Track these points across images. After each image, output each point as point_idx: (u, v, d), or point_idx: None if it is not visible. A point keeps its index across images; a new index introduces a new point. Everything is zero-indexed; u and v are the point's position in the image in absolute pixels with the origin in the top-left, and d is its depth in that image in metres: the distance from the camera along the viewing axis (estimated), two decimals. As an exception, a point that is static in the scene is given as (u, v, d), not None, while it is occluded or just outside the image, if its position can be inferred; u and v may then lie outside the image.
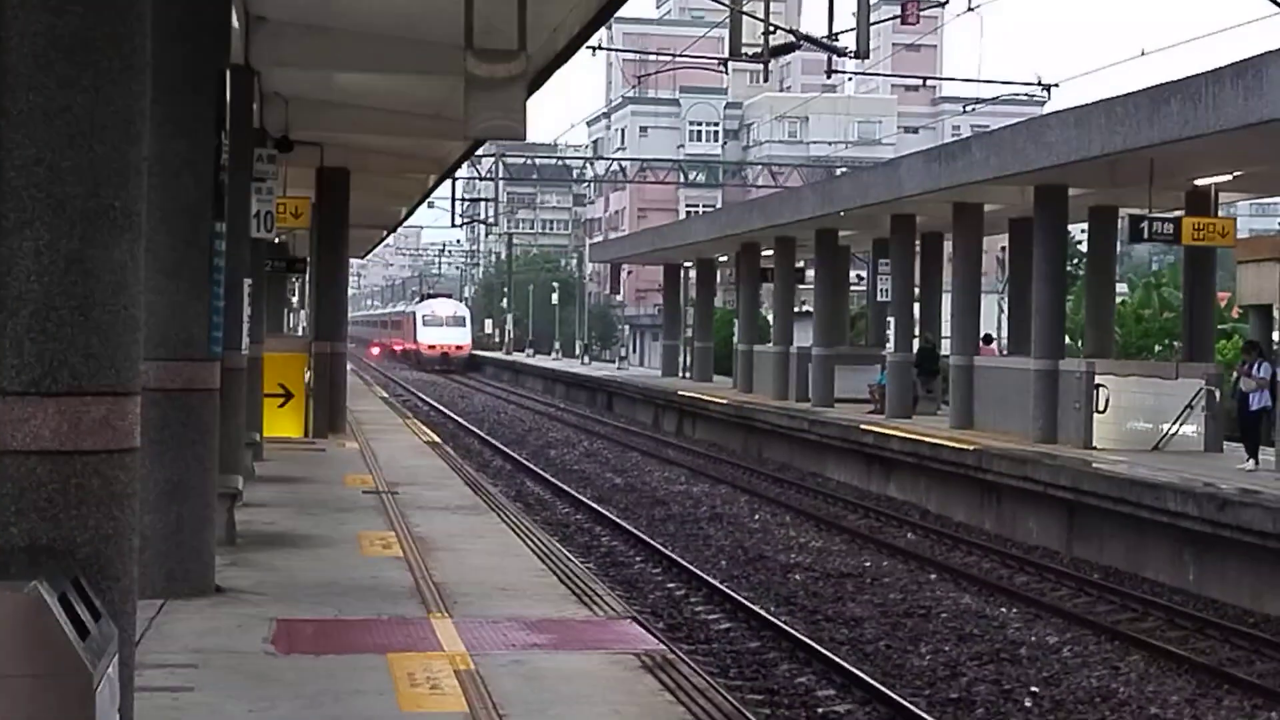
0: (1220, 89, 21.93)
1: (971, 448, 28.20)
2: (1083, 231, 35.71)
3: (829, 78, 56.37)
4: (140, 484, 6.66)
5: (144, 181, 6.48)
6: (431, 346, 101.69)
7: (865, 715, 13.96)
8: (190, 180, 12.65)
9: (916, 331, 37.94)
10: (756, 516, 28.01)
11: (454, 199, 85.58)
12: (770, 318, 51.36)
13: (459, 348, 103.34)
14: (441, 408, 56.40)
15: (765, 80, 40.42)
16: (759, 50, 24.83)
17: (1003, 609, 19.41)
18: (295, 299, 32.66)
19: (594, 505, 27.94)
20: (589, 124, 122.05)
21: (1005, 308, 42.15)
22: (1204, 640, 17.80)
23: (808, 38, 25.46)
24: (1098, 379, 27.69)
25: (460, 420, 49.56)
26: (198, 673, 9.89)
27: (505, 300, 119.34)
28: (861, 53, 25.94)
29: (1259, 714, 14.35)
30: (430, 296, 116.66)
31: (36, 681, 5.64)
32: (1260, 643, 17.52)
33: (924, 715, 13.49)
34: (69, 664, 5.65)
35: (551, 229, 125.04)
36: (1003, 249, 42.59)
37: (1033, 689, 15.14)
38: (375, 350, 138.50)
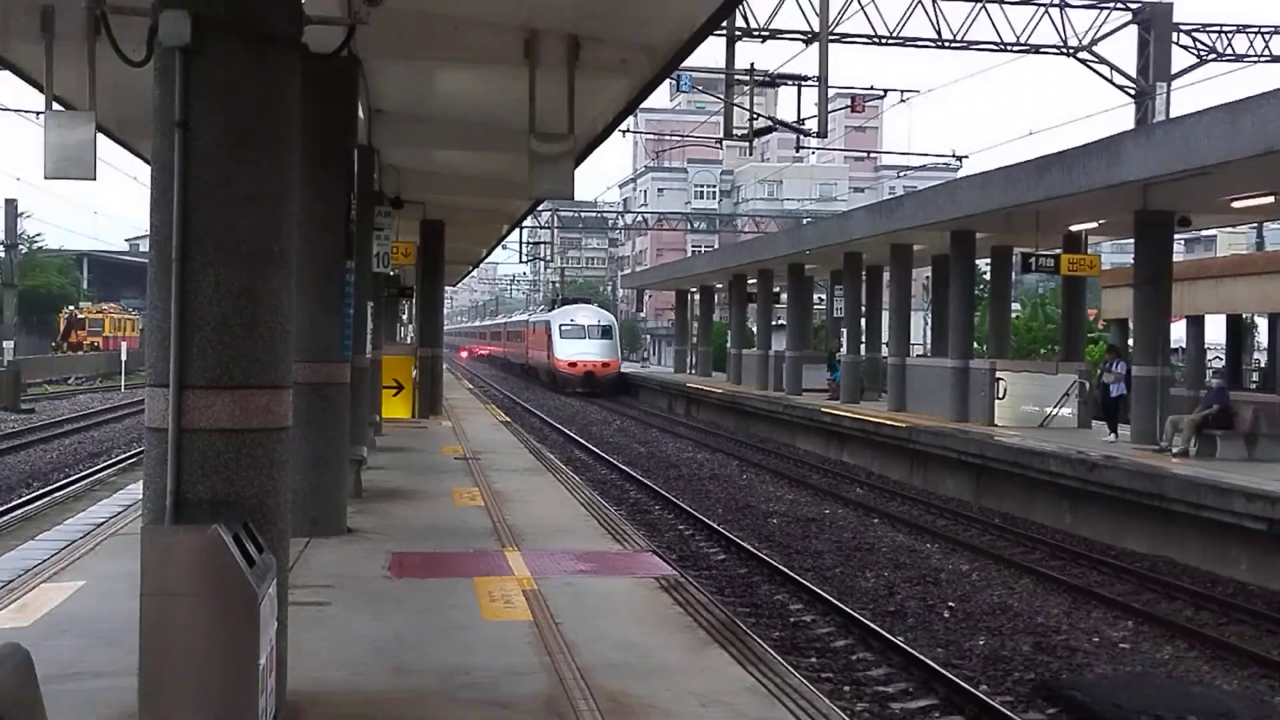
0: (1088, 160, 21.90)
1: (904, 425, 28.15)
2: (987, 265, 35.57)
3: (798, 151, 56.83)
4: (291, 453, 6.71)
5: (294, 231, 6.54)
6: (572, 364, 59.44)
7: (825, 623, 13.99)
8: (328, 231, 12.73)
9: (838, 342, 38.59)
10: (744, 476, 28.02)
11: (521, 242, 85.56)
12: (754, 329, 51.47)
13: (606, 365, 60.37)
14: (512, 395, 56.59)
15: (750, 154, 40.43)
16: (745, 132, 24.87)
17: (927, 544, 19.43)
18: (405, 317, 32.71)
19: (624, 467, 28.02)
20: (620, 186, 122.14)
21: (929, 321, 42.02)
22: (1077, 567, 17.79)
23: (781, 123, 25.49)
24: (998, 374, 27.68)
25: (525, 406, 49.63)
26: (333, 591, 9.96)
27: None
28: (821, 133, 25.93)
29: (1119, 622, 14.34)
30: (568, 302, 73.03)
31: (217, 599, 5.71)
32: (1119, 569, 17.50)
33: (870, 623, 13.55)
34: (240, 586, 5.71)
35: (592, 264, 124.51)
36: (927, 278, 42.45)
37: (950, 604, 15.16)
38: (463, 354, 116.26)
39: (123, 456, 27.74)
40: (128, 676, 6.03)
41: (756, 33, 27.54)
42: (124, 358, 57.54)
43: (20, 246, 58.94)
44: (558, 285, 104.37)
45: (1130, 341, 26.36)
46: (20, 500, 21.46)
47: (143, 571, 5.74)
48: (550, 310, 70.33)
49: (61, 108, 10.38)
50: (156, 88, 6.20)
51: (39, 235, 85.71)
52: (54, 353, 68.62)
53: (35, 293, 74.34)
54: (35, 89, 12.80)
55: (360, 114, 14.61)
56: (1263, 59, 32.33)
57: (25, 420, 38.87)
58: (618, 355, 61.99)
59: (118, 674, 7.03)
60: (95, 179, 10.01)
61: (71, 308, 76.24)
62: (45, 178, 9.75)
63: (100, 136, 11.10)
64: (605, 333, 61.72)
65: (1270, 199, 22.69)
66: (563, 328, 61.04)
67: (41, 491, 22.57)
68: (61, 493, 22.27)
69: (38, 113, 14.75)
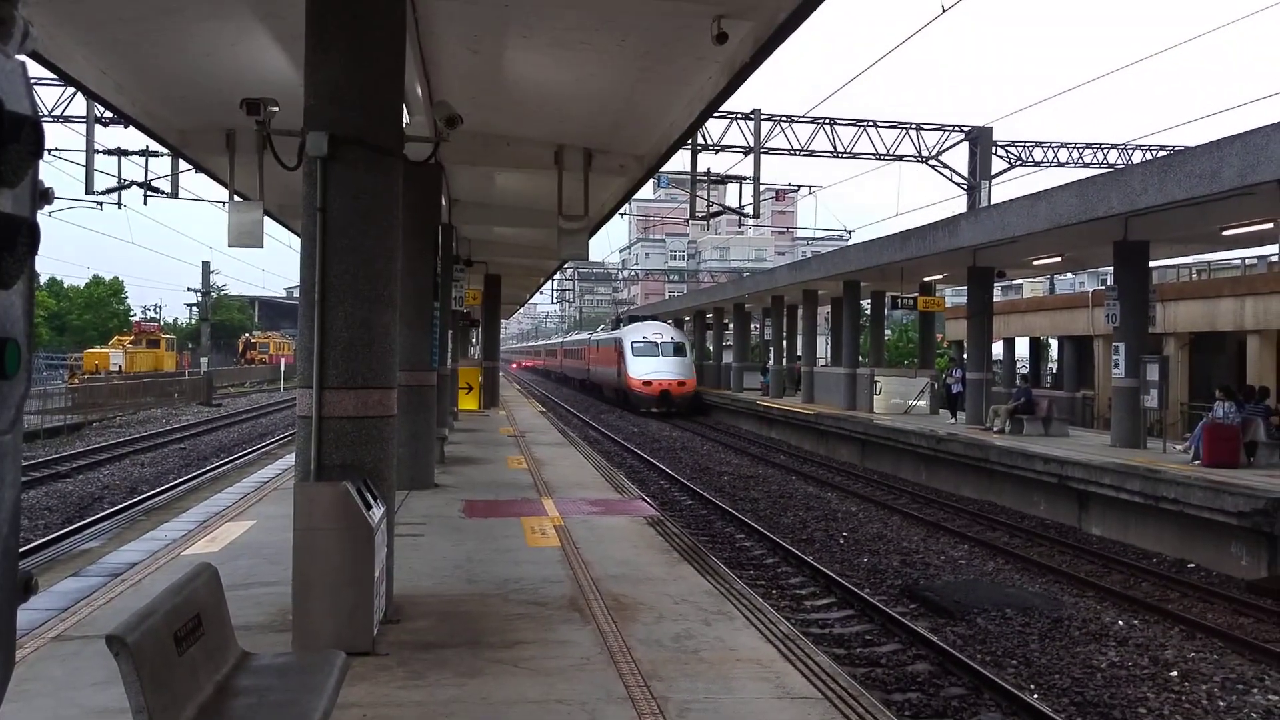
0: (936, 233, 21.92)
1: (812, 413, 28.12)
2: (869, 303, 35.56)
3: (739, 227, 56.21)
4: (396, 433, 6.68)
5: (399, 281, 6.52)
6: (647, 383, 41.18)
7: (760, 548, 13.97)
8: (422, 281, 12.71)
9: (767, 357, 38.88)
10: (704, 448, 27.92)
11: (553, 288, 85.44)
12: (711, 347, 51.49)
13: (682, 384, 41.72)
14: (548, 393, 56.38)
15: (708, 229, 40.34)
16: (704, 214, 24.83)
17: (828, 493, 19.39)
18: (474, 340, 32.62)
19: (623, 443, 27.89)
20: (619, 251, 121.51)
21: (830, 341, 42.10)
22: (931, 510, 17.77)
23: (729, 208, 25.43)
24: (876, 377, 27.67)
25: (555, 400, 49.46)
26: (425, 526, 9.93)
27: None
28: (755, 215, 25.91)
29: (959, 546, 14.32)
30: (635, 319, 50.80)
31: (345, 532, 5.68)
32: (958, 510, 17.49)
33: (789, 546, 13.54)
34: (361, 523, 5.69)
35: (600, 305, 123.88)
36: (829, 313, 42.43)
37: (844, 534, 15.14)
38: (514, 368, 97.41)
39: (280, 436, 27.65)
40: (285, 585, 6.00)
41: (711, 147, 27.71)
42: (283, 369, 57.47)
43: (212, 293, 59.31)
44: (578, 319, 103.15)
45: (964, 355, 26.38)
46: (212, 466, 21.41)
47: (295, 513, 5.72)
48: (617, 327, 48.80)
49: (240, 198, 10.36)
50: (304, 184, 6.19)
51: (225, 285, 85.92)
52: (235, 365, 68.57)
53: (222, 324, 74.85)
54: (221, 185, 12.82)
55: (444, 202, 14.61)
56: (1052, 165, 32.58)
57: (215, 411, 38.79)
58: (693, 374, 40.71)
59: (279, 583, 7.01)
60: (263, 246, 9.99)
61: (247, 335, 76.65)
62: (229, 246, 9.72)
63: (266, 218, 11.08)
64: (679, 350, 41.14)
65: (1058, 259, 22.76)
66: (635, 345, 41.22)
67: (226, 460, 22.51)
68: (240, 460, 22.22)
69: (223, 202, 14.74)
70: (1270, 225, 14.62)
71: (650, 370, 39.87)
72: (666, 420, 37.44)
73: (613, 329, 50.19)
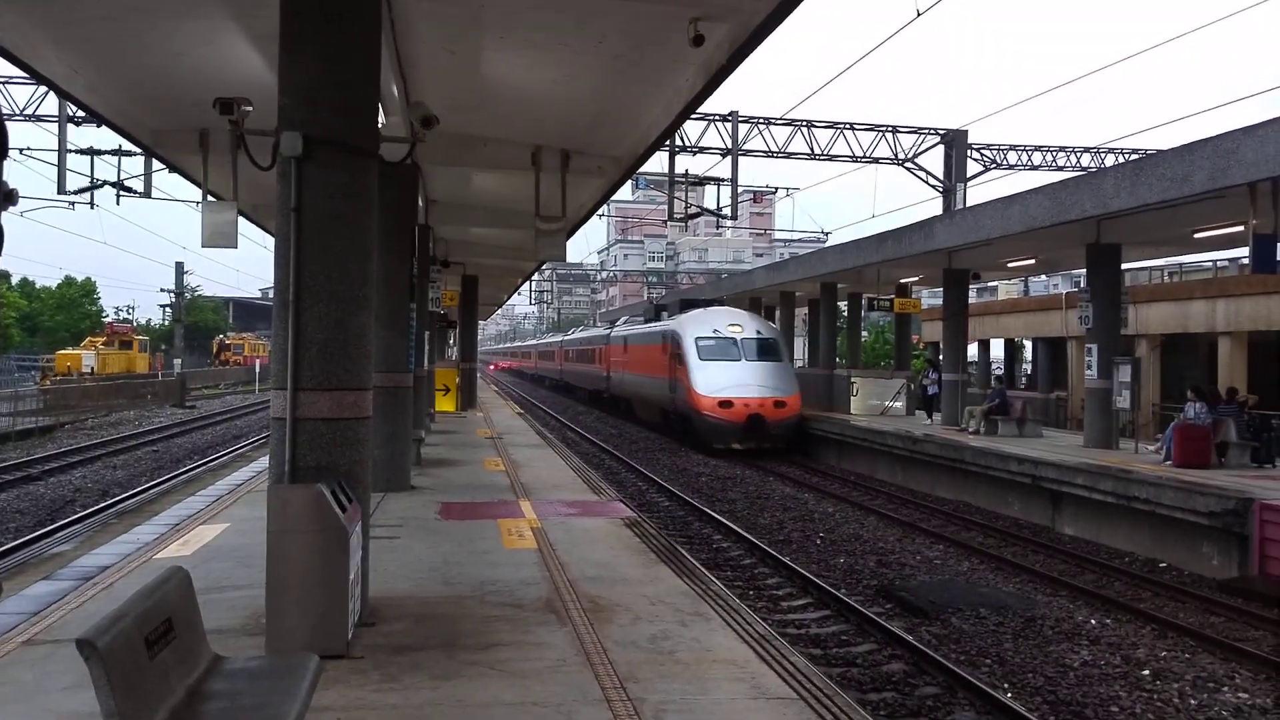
0: (912, 235, 22.05)
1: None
2: (845, 305, 35.74)
3: (718, 229, 56.59)
4: (372, 434, 6.64)
5: (374, 282, 6.48)
6: (726, 403, 23.89)
7: (737, 548, 13.99)
8: (399, 282, 12.64)
9: None
10: (681, 449, 27.94)
11: (530, 289, 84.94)
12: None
13: (780, 404, 24.13)
14: (526, 395, 56.22)
15: (686, 231, 40.40)
16: (682, 216, 24.87)
17: (805, 494, 19.45)
18: (452, 342, 32.49)
19: (601, 443, 27.86)
20: (598, 252, 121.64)
21: (807, 342, 42.13)
22: (906, 510, 17.87)
23: (707, 210, 25.47)
24: (853, 379, 27.79)
25: (533, 402, 49.34)
26: (402, 528, 9.87)
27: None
28: (734, 217, 25.98)
29: (934, 545, 14.40)
30: (691, 304, 31.59)
31: (319, 535, 5.65)
32: (934, 510, 17.59)
33: (765, 546, 13.56)
34: (335, 526, 5.66)
35: (580, 306, 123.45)
36: (806, 314, 42.58)
37: (820, 534, 15.20)
38: (491, 369, 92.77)
39: (255, 439, 27.44)
40: (259, 588, 5.96)
41: (689, 149, 27.71)
42: (257, 370, 57.06)
43: (185, 294, 58.99)
44: (556, 321, 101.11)
45: (940, 357, 26.55)
46: (185, 469, 21.21)
47: (269, 516, 5.68)
48: (658, 317, 33.76)
49: (213, 198, 10.28)
50: (279, 184, 6.15)
51: (198, 286, 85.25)
52: (209, 366, 68.00)
53: (196, 325, 74.31)
54: (195, 185, 12.71)
55: (420, 203, 14.55)
56: (1025, 168, 32.87)
57: (188, 413, 38.43)
58: (796, 387, 26.27)
59: (252, 586, 6.95)
60: (237, 247, 9.91)
61: (221, 336, 76.12)
62: (202, 247, 9.63)
63: (240, 218, 11.00)
64: (770, 350, 26.77)
65: (1032, 261, 22.95)
66: (702, 343, 26.51)
67: (199, 462, 22.31)
68: (213, 462, 22.03)
69: (196, 202, 14.62)
70: (1240, 228, 14.80)
71: (729, 382, 25.11)
72: (645, 427, 32.22)
73: (651, 318, 34.61)
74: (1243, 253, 26.52)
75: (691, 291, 40.52)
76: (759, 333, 27.04)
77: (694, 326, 27.17)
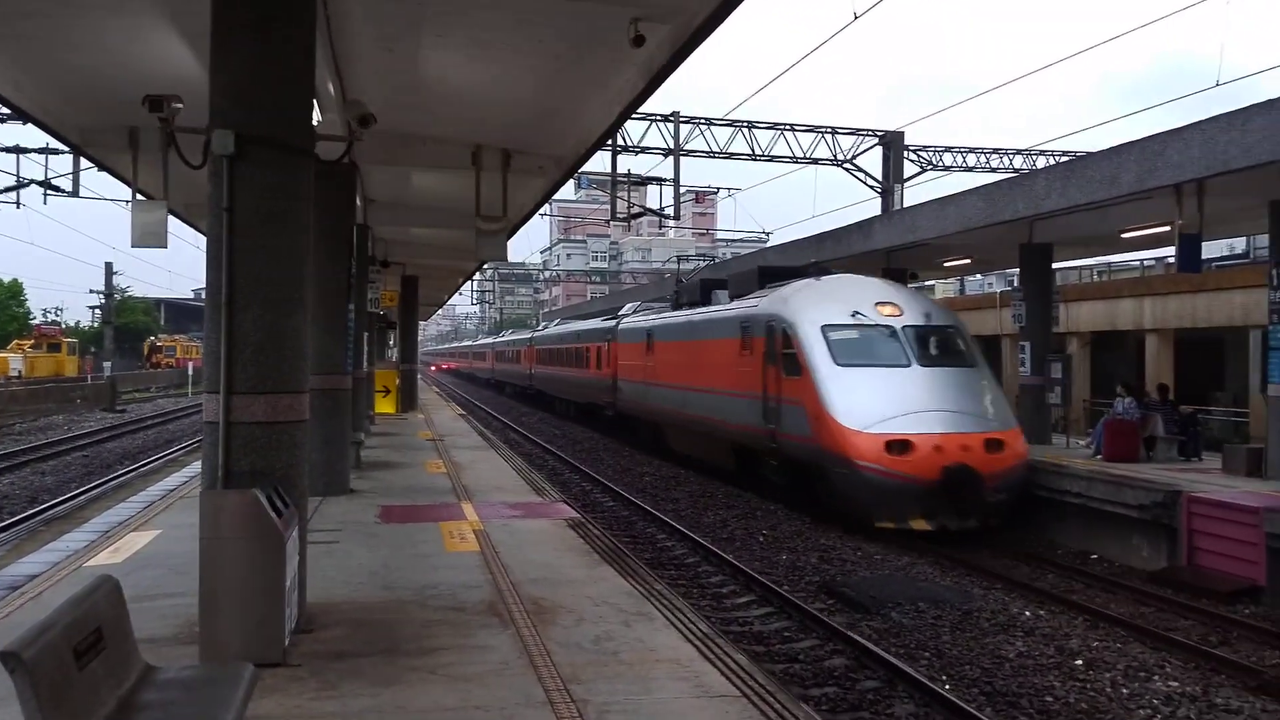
0: (851, 235, 22.33)
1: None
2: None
3: (660, 229, 56.72)
4: (309, 438, 6.54)
5: (310, 283, 6.38)
6: (899, 445, 12.36)
7: (680, 546, 14.02)
8: (336, 283, 12.48)
9: None
10: (625, 449, 27.93)
11: (472, 289, 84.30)
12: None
13: (996, 447, 12.43)
14: (467, 396, 55.72)
15: (629, 229, 40.47)
16: (625, 216, 24.88)
17: (747, 492, 19.52)
18: (391, 343, 32.16)
19: (545, 444, 27.74)
20: (541, 252, 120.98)
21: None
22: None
23: (650, 210, 25.54)
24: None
25: (475, 403, 48.97)
26: (340, 533, 9.75)
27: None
28: (676, 216, 26.07)
29: (874, 543, 14.52)
30: (793, 274, 18.53)
31: (254, 541, 5.56)
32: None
33: (709, 545, 13.60)
34: (271, 531, 5.57)
35: (522, 306, 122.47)
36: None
37: (763, 532, 15.26)
38: (434, 370, 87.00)
39: (188, 443, 26.87)
40: (192, 596, 5.84)
41: (632, 149, 27.78)
42: (190, 373, 55.95)
43: (115, 295, 57.68)
44: (499, 321, 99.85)
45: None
46: (115, 474, 20.70)
47: (201, 522, 5.57)
48: (708, 294, 22.94)
49: (143, 197, 10.03)
50: (210, 183, 6.03)
51: (129, 287, 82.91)
52: (140, 369, 66.49)
53: (127, 327, 72.55)
54: (125, 184, 12.42)
55: (358, 202, 14.36)
56: (961, 169, 33.49)
57: (119, 417, 37.51)
58: (1011, 414, 14.93)
59: (185, 594, 6.81)
60: (167, 247, 9.70)
61: (153, 338, 74.52)
62: (132, 246, 9.41)
63: (171, 217, 10.76)
64: (949, 347, 15.50)
65: (968, 261, 23.37)
66: (835, 336, 15.20)
67: (131, 468, 21.79)
68: (145, 467, 21.54)
69: (126, 201, 14.28)
70: (1166, 228, 15.24)
71: (898, 407, 14.43)
72: (588, 427, 32.45)
73: (694, 300, 23.46)
74: (1168, 252, 27.30)
75: (752, 259, 27.77)
76: (928, 317, 15.95)
77: (815, 309, 16.14)
